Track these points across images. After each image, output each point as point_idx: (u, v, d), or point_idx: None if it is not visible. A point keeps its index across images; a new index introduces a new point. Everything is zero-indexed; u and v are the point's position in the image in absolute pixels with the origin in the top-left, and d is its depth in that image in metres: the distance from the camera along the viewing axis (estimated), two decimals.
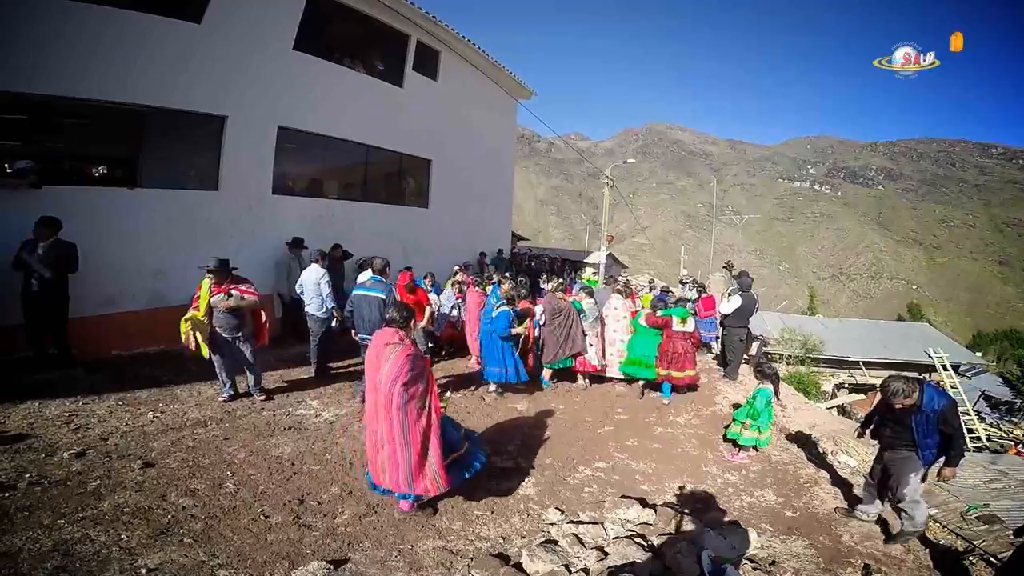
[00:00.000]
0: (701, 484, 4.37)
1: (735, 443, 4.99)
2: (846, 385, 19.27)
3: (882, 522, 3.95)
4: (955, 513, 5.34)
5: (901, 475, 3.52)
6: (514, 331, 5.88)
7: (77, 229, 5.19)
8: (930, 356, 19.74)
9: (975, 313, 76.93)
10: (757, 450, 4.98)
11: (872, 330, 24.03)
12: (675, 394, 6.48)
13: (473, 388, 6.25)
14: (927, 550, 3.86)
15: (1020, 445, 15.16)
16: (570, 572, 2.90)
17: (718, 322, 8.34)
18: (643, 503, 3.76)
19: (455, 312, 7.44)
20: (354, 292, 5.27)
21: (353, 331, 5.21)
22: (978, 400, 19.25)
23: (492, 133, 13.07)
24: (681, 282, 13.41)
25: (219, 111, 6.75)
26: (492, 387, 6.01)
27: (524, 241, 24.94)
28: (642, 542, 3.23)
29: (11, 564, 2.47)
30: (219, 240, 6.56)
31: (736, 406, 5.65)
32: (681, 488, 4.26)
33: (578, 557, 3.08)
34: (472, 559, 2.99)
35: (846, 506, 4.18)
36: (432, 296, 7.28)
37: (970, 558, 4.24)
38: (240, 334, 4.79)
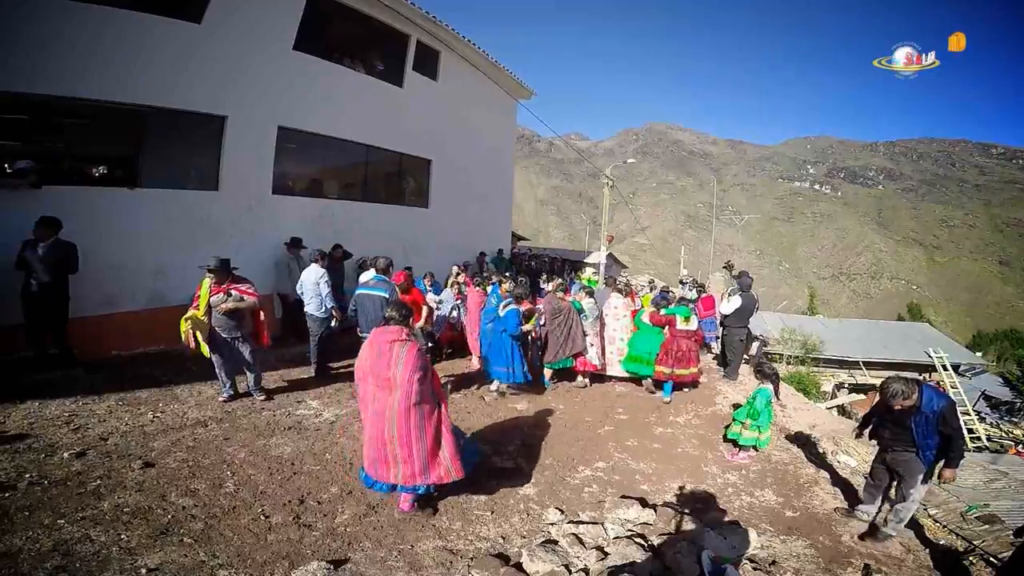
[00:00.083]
0: (701, 484, 4.37)
1: (735, 443, 4.99)
2: (846, 385, 19.26)
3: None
4: (955, 513, 5.35)
5: (908, 476, 3.52)
6: (524, 328, 5.90)
7: (77, 229, 5.20)
8: (930, 356, 19.74)
9: (975, 313, 76.94)
10: (757, 450, 4.98)
11: (872, 330, 24.03)
12: (675, 393, 6.50)
13: (476, 386, 6.26)
14: (927, 550, 3.86)
15: (1020, 445, 15.16)
16: (570, 572, 2.90)
17: (718, 322, 8.34)
18: (643, 503, 3.76)
19: (455, 313, 7.44)
20: (358, 291, 5.34)
21: (359, 329, 5.29)
22: (978, 400, 19.24)
23: (492, 133, 13.07)
24: (681, 282, 13.39)
25: (219, 111, 6.75)
26: (494, 386, 6.01)
27: (524, 241, 24.94)
28: (642, 542, 3.23)
29: (11, 564, 2.47)
30: (219, 240, 6.56)
31: (736, 406, 5.65)
32: (681, 488, 4.26)
33: (578, 557, 3.08)
34: (472, 559, 2.98)
35: (846, 506, 4.18)
36: (431, 296, 7.28)
37: (970, 558, 4.25)
38: (239, 334, 4.79)
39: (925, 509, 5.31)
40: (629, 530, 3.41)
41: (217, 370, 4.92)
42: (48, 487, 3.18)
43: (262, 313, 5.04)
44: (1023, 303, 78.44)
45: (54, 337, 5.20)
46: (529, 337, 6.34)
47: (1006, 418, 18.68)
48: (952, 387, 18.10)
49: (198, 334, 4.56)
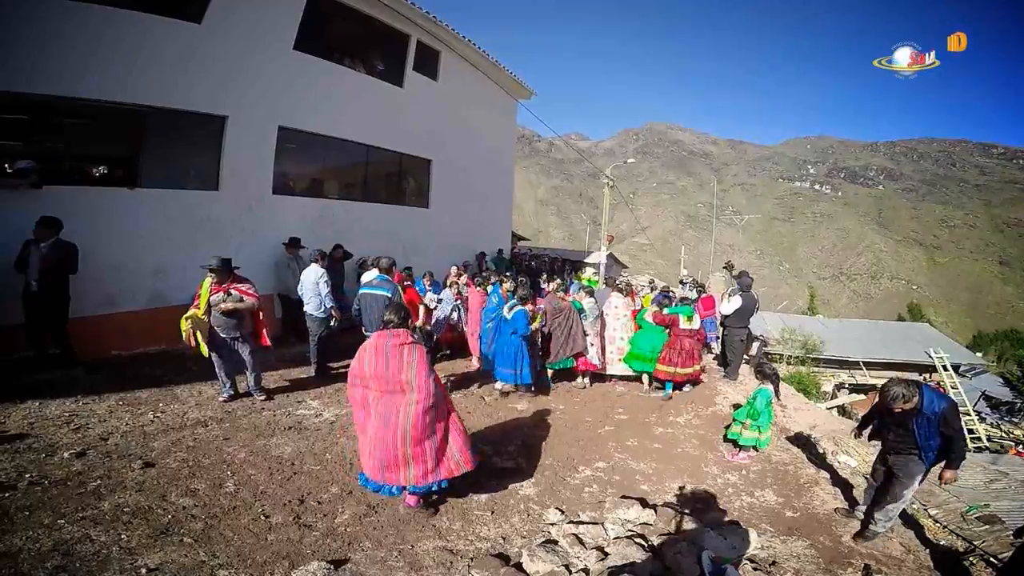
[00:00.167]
0: (701, 484, 4.37)
1: (735, 443, 5.00)
2: (846, 385, 19.27)
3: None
4: (955, 513, 5.34)
5: (906, 477, 3.51)
6: (532, 327, 5.90)
7: (77, 229, 5.20)
8: (930, 356, 19.74)
9: (975, 313, 76.93)
10: (757, 450, 4.98)
11: (872, 330, 24.04)
12: (675, 393, 6.51)
13: (478, 384, 6.27)
14: (927, 550, 3.86)
15: (1020, 445, 15.16)
16: (570, 572, 2.90)
17: (718, 322, 8.34)
18: (643, 503, 3.76)
19: (455, 315, 7.43)
20: (361, 291, 5.36)
21: (363, 329, 5.31)
22: (978, 400, 19.24)
23: (492, 133, 13.07)
24: (681, 282, 13.37)
25: (219, 111, 6.75)
26: (497, 386, 6.00)
27: (524, 241, 24.92)
28: (642, 542, 3.23)
29: (11, 564, 2.47)
30: (219, 240, 6.56)
31: (736, 406, 5.65)
32: (681, 488, 4.26)
33: (578, 557, 3.08)
34: (472, 559, 2.99)
35: (846, 506, 4.19)
36: (431, 295, 7.28)
37: (970, 558, 4.24)
38: (239, 334, 4.80)
39: (925, 509, 5.31)
40: (629, 530, 3.41)
41: (217, 370, 4.92)
42: (48, 487, 3.18)
43: (262, 313, 5.05)
44: (1023, 303, 78.41)
45: (54, 337, 5.20)
46: (538, 339, 6.36)
47: (1006, 418, 18.68)
48: (952, 387, 18.11)
49: (198, 334, 4.57)
